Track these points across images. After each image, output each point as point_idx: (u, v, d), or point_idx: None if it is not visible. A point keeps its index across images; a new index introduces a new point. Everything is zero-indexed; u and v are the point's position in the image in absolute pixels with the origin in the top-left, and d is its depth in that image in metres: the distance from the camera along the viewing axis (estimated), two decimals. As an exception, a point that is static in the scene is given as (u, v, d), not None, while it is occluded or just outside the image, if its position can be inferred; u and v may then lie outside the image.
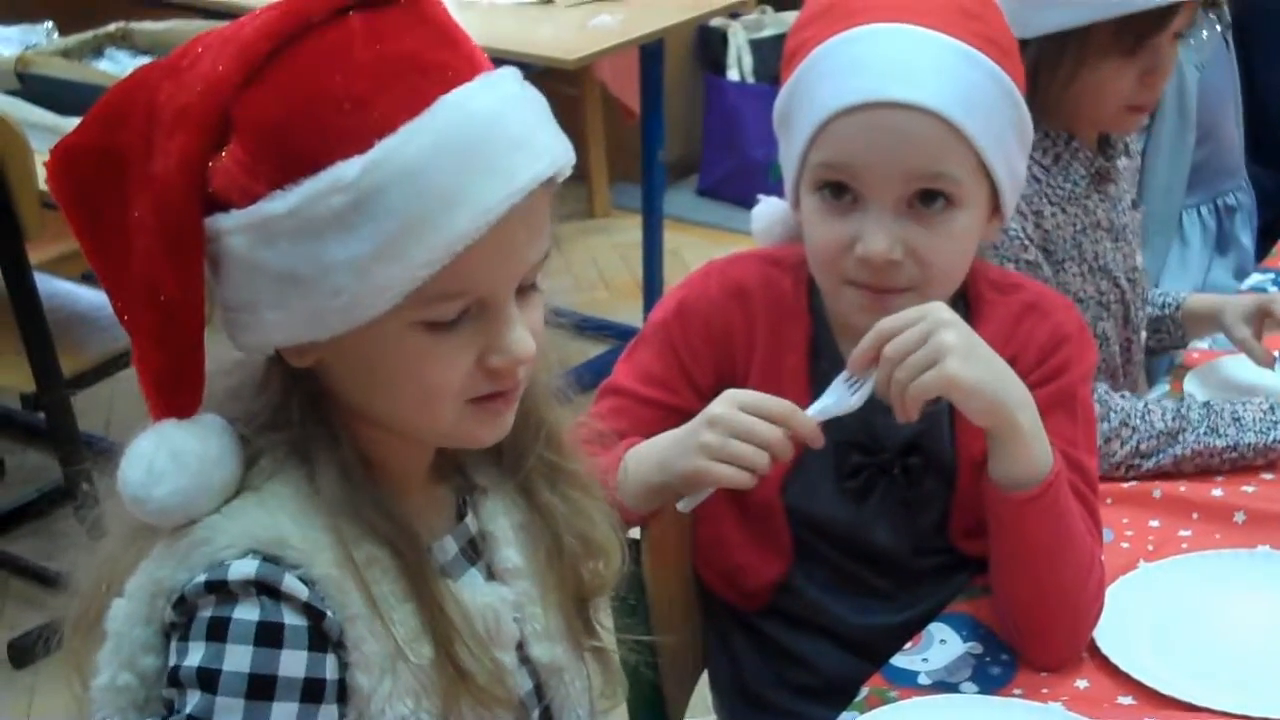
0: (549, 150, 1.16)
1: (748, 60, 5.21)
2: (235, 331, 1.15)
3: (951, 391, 1.47)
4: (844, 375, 1.53)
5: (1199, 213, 2.77)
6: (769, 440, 1.49)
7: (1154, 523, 1.83)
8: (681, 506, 1.55)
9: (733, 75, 5.22)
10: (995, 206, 1.58)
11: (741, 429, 1.49)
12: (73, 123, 1.17)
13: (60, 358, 2.96)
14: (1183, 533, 1.81)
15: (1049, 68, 1.92)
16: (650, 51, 4.11)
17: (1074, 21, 1.90)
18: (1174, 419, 1.90)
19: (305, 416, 1.17)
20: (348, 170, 1.08)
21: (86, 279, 3.23)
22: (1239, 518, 1.83)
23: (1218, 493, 1.87)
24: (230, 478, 1.16)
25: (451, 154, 1.10)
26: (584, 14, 3.85)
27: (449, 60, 1.13)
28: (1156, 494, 1.88)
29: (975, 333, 1.58)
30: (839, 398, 1.52)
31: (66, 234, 1.22)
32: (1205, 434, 1.90)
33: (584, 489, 1.33)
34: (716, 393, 1.62)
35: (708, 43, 5.25)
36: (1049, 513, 1.51)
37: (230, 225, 1.11)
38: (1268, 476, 1.92)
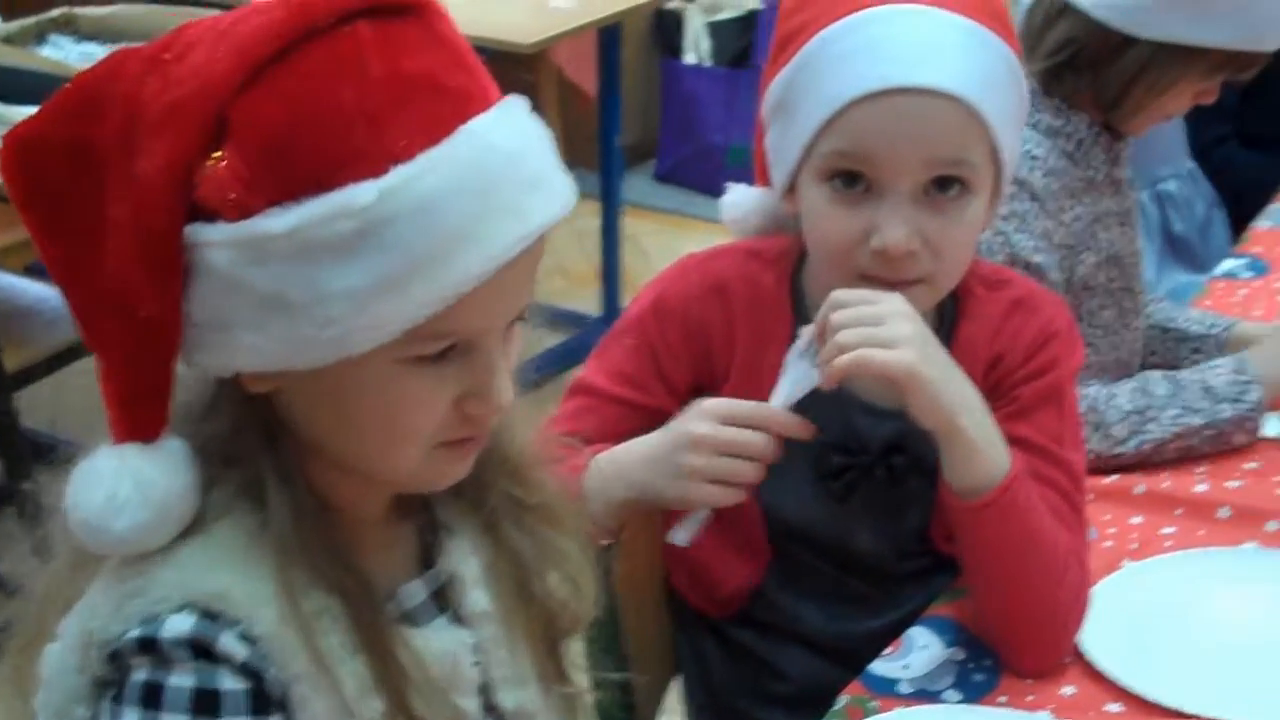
0: (561, 192, 1.09)
1: (705, 43, 5.15)
2: (196, 349, 1.05)
3: (901, 379, 1.41)
4: (797, 350, 1.46)
5: (1142, 199, 2.73)
6: (757, 449, 1.43)
7: (1136, 519, 1.78)
8: (679, 540, 1.47)
9: (690, 58, 5.17)
10: (995, 189, 1.52)
11: (727, 444, 1.43)
12: (20, 111, 1.08)
13: (3, 353, 2.88)
14: (1166, 530, 1.76)
15: (1153, 71, 1.89)
16: (608, 35, 4.05)
17: (1208, 40, 1.87)
18: (1140, 395, 1.87)
19: (260, 450, 1.09)
20: (360, 195, 0.99)
21: (30, 271, 3.14)
22: (1223, 513, 1.78)
23: (1201, 488, 1.82)
24: (191, 512, 1.08)
25: (471, 190, 1.02)
26: (540, -4, 3.79)
27: (466, 85, 1.05)
28: (1139, 490, 1.83)
29: (957, 328, 1.53)
30: (799, 375, 1.45)
31: (7, 226, 1.12)
32: (1181, 414, 1.86)
33: (553, 522, 1.25)
34: (693, 392, 1.56)
35: (664, 25, 5.19)
36: (1007, 518, 1.45)
37: (216, 238, 1.01)
38: (1251, 465, 1.88)
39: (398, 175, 1.00)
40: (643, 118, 5.14)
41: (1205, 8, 1.86)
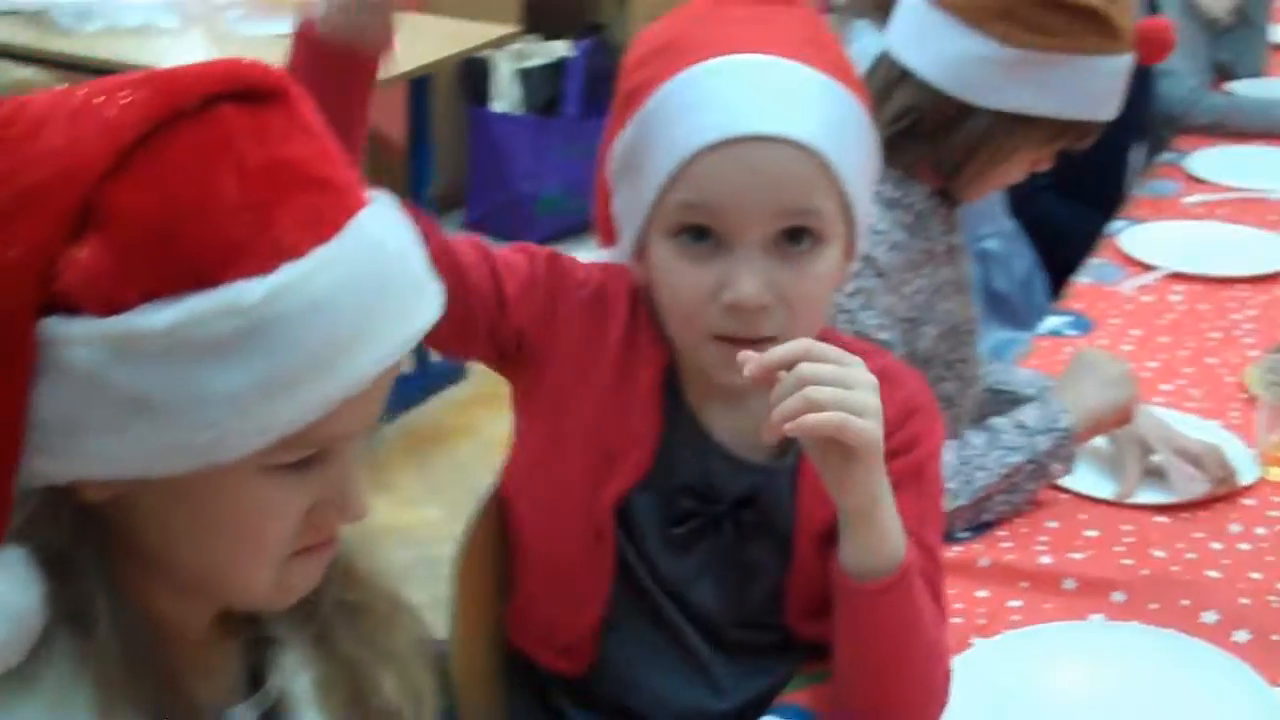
0: (437, 293, 1.03)
1: (514, 91, 5.09)
2: (37, 453, 0.94)
3: (861, 453, 1.35)
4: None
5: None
6: None
7: (982, 593, 1.75)
8: None
9: (498, 106, 5.10)
10: (848, 245, 1.48)
11: None
12: None
13: None
14: (1012, 603, 1.74)
15: (993, 140, 1.89)
16: (417, 86, 3.97)
17: (1047, 110, 1.87)
18: (961, 448, 1.87)
19: (92, 566, 0.98)
20: (248, 292, 0.91)
21: None
22: (1068, 584, 1.77)
23: (1046, 560, 1.81)
24: (33, 634, 0.96)
25: (363, 290, 0.95)
26: (348, 46, 3.69)
27: (342, 177, 0.98)
28: (984, 562, 1.81)
29: None
30: None
31: None
32: (1004, 454, 1.86)
33: (387, 623, 1.17)
34: (516, 351, 1.53)
35: (472, 73, 5.12)
36: (901, 603, 1.41)
37: (78, 334, 0.91)
38: (1091, 534, 1.87)
39: (289, 272, 0.92)
40: (451, 166, 5.06)
41: (1044, 78, 1.86)
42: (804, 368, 1.33)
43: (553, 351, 1.54)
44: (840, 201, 1.43)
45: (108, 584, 0.99)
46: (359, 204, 0.99)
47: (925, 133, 1.90)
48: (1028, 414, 1.92)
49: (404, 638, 1.18)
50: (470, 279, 1.49)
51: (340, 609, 1.14)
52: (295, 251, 0.93)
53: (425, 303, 1.02)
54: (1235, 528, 1.92)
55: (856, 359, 1.36)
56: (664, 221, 1.44)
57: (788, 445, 1.50)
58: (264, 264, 0.92)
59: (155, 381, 0.91)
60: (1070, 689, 1.59)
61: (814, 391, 1.32)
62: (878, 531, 1.39)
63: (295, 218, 0.94)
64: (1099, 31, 1.86)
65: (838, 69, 1.46)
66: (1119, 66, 1.90)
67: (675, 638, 1.57)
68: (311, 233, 0.94)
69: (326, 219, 0.95)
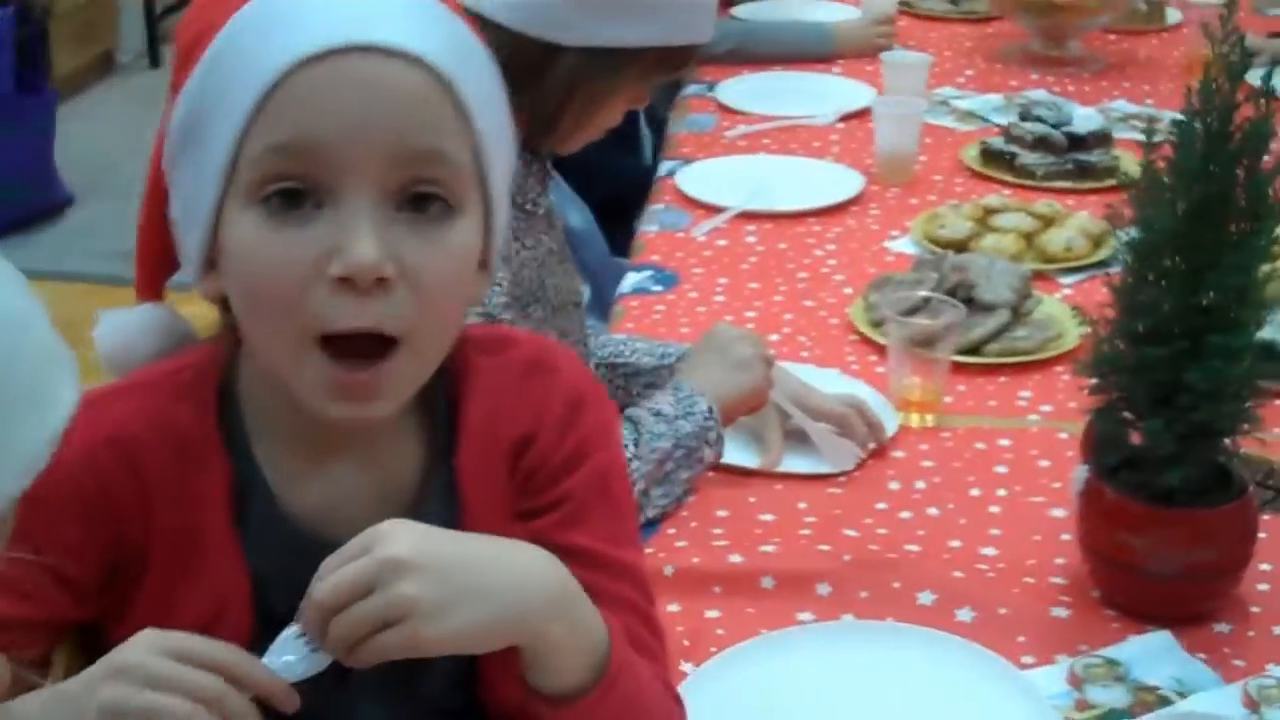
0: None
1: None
2: None
3: (431, 653, 1.07)
4: (295, 630, 1.07)
5: None
6: (205, 692, 1.02)
7: (673, 607, 1.51)
8: None
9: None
10: (485, 225, 1.15)
11: (163, 678, 1.02)
12: None
13: None
14: (711, 613, 1.51)
15: (586, 82, 1.67)
16: None
17: (637, 39, 1.67)
18: None
19: None
20: None
21: None
22: (767, 583, 1.55)
23: (735, 559, 1.58)
24: None
25: None
26: None
27: None
28: (668, 571, 1.56)
29: (462, 415, 1.19)
30: (301, 656, 1.06)
31: None
32: (651, 439, 1.68)
33: None
34: (109, 590, 1.15)
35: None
36: (615, 705, 1.13)
37: None
38: (768, 519, 1.67)
39: None
40: None
41: (628, 5, 1.64)
42: (312, 593, 1.05)
43: (134, 548, 1.16)
44: (472, 154, 1.11)
45: None
46: None
47: (513, 84, 1.61)
48: (662, 401, 1.73)
49: None
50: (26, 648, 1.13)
51: None
52: None
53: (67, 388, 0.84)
54: (894, 485, 1.76)
55: (380, 532, 1.06)
56: (245, 184, 1.07)
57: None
58: None
59: None
60: (811, 712, 1.37)
61: (337, 627, 1.04)
62: (556, 649, 1.10)
63: None
64: None
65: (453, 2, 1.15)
66: None
67: None
68: None
69: None
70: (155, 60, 6.03)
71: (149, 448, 1.15)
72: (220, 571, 1.15)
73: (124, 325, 1.24)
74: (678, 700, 1.22)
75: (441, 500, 1.18)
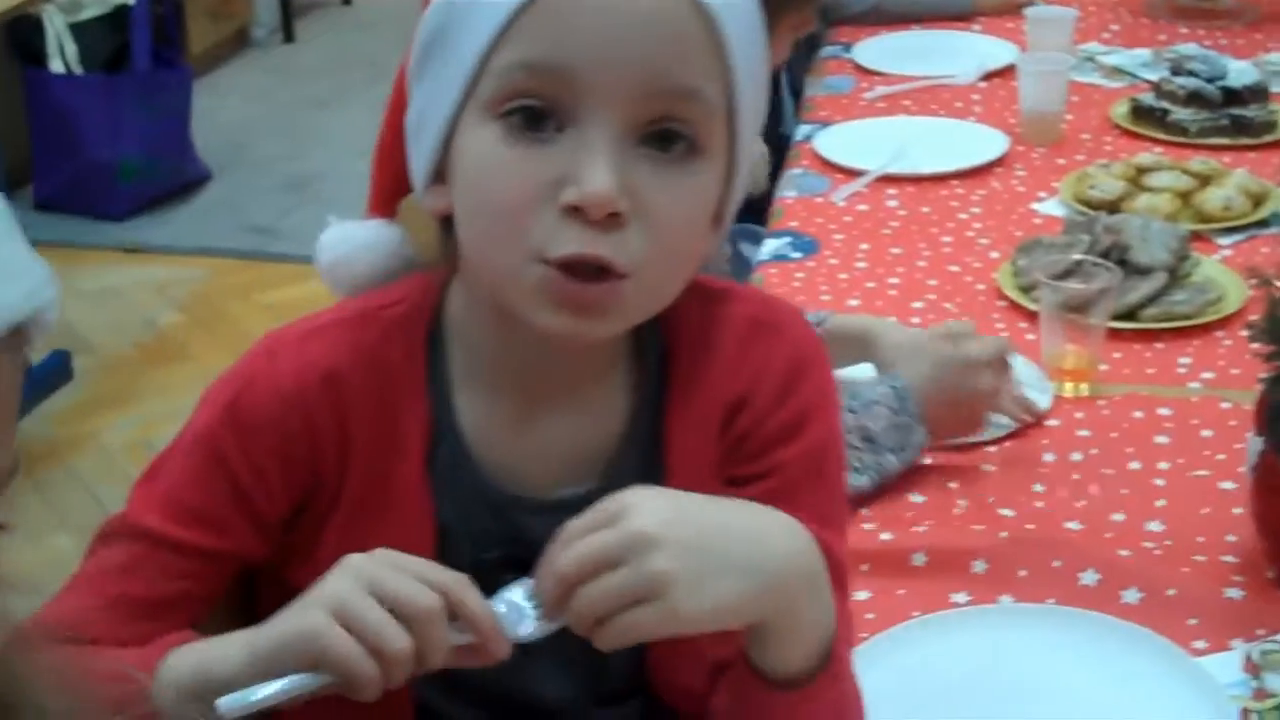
0: None
1: (71, 48, 4.51)
2: None
3: (687, 630, 1.01)
4: (524, 592, 1.02)
5: None
6: (424, 612, 0.97)
7: (821, 589, 1.45)
8: (224, 707, 0.98)
9: (56, 66, 4.52)
10: (729, 166, 1.08)
11: (391, 591, 0.97)
12: None
13: None
14: (860, 595, 1.44)
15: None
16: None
17: None
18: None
19: None
20: None
21: None
22: (918, 560, 1.49)
23: (885, 536, 1.52)
24: None
25: None
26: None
27: None
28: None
29: (674, 368, 1.13)
30: (525, 619, 1.02)
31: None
32: (849, 476, 1.51)
33: None
34: (293, 528, 1.11)
35: (21, 30, 4.51)
36: (834, 701, 1.07)
37: None
38: (917, 500, 1.60)
39: None
40: (11, 137, 4.45)
41: None
42: (557, 564, 0.99)
43: (327, 486, 1.13)
44: (726, 95, 1.05)
45: None
46: None
47: None
48: (878, 422, 1.61)
49: None
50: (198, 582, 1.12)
51: None
52: None
53: None
54: (1049, 456, 1.69)
55: (627, 501, 1.00)
56: (487, 96, 1.03)
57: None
58: None
59: None
60: (967, 702, 1.31)
61: (582, 601, 0.98)
62: (796, 635, 1.04)
63: None
64: None
65: None
66: None
67: None
68: None
69: None
70: (289, 35, 6.05)
71: (356, 386, 1.12)
72: (408, 517, 1.12)
73: (349, 238, 1.21)
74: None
75: (646, 458, 1.14)
